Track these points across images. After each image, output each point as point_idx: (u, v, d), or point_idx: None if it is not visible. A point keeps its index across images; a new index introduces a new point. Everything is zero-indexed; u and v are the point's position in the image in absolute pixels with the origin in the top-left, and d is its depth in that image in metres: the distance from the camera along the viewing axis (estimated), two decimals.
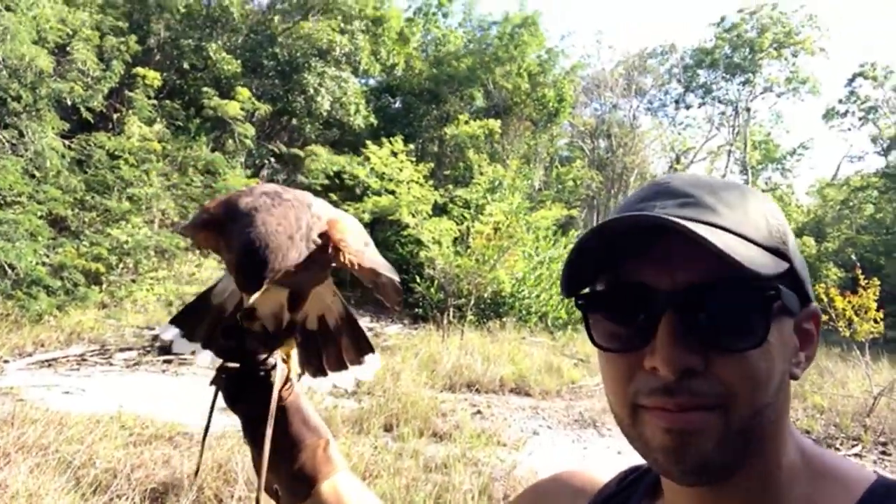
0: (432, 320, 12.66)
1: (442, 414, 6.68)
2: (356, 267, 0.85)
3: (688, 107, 32.20)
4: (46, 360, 7.87)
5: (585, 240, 0.58)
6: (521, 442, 6.09)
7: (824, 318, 9.48)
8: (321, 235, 0.84)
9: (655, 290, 0.56)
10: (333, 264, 0.89)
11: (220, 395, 0.88)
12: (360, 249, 0.87)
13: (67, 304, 9.85)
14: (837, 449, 6.51)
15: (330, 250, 0.84)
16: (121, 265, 11.58)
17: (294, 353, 0.92)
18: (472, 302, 12.84)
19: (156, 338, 9.23)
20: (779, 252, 0.57)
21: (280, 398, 0.86)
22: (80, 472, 4.24)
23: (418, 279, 13.56)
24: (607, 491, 0.75)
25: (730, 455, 0.55)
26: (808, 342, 0.60)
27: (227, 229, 0.82)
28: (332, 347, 0.99)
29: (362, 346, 1.00)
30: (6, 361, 7.62)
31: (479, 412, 7.13)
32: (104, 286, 11.08)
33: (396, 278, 0.92)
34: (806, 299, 0.60)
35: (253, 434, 0.86)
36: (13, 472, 4.06)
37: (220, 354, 0.86)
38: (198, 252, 13.18)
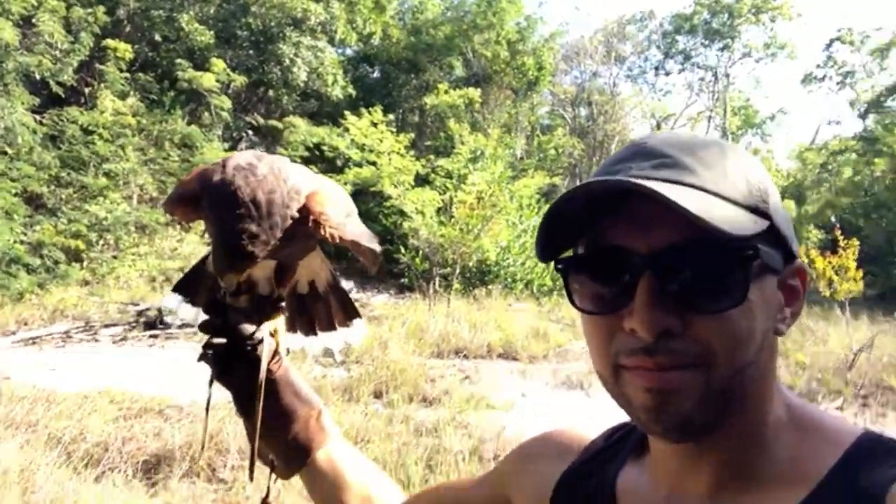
0: (418, 290, 12.68)
1: (431, 380, 6.73)
2: (337, 240, 0.85)
3: (667, 73, 32.18)
4: (31, 338, 7.78)
5: (558, 205, 0.57)
6: (509, 405, 6.16)
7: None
8: (301, 209, 0.82)
9: (632, 252, 0.56)
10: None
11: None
12: (341, 222, 0.86)
13: (49, 281, 9.72)
14: (819, 403, 6.67)
15: (310, 224, 0.82)
16: (101, 242, 11.42)
17: (281, 326, 0.91)
18: (458, 271, 12.86)
19: (141, 313, 9.15)
20: (758, 210, 0.56)
21: (269, 371, 0.86)
22: (70, 447, 4.23)
23: (403, 250, 13.53)
24: (594, 447, 0.75)
25: (710, 413, 0.55)
26: (793, 298, 0.59)
27: (203, 209, 0.81)
28: (322, 310, 1.00)
29: (350, 311, 1.02)
30: None
31: (467, 377, 7.19)
32: (85, 263, 10.93)
33: (378, 248, 0.91)
34: (790, 256, 0.59)
35: (244, 407, 0.86)
36: (3, 448, 4.04)
37: (206, 330, 0.85)
38: (179, 227, 13.03)
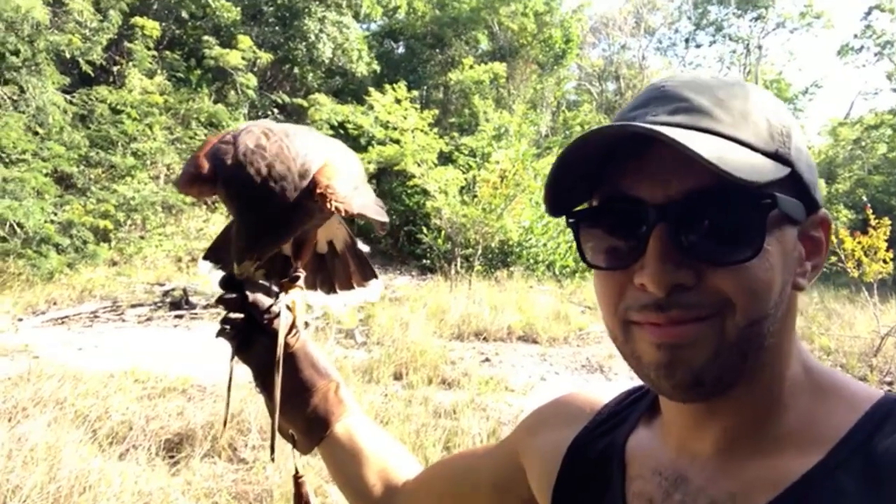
0: (440, 271, 12.70)
1: (451, 362, 6.77)
2: (343, 213, 0.86)
3: (698, 46, 31.59)
4: (60, 318, 7.99)
5: (568, 154, 0.55)
6: (528, 387, 6.18)
7: (832, 259, 9.48)
8: (311, 183, 0.83)
9: (646, 203, 0.54)
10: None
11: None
12: (348, 195, 0.86)
13: (77, 261, 9.93)
14: None
15: (316, 198, 0.83)
16: (129, 222, 11.61)
17: (298, 300, 0.92)
18: (480, 252, 12.84)
19: (167, 293, 9.33)
20: (779, 155, 0.53)
21: (287, 345, 0.87)
22: (95, 424, 4.35)
23: (425, 230, 13.54)
24: (606, 411, 0.75)
25: (724, 368, 0.53)
26: (815, 251, 0.57)
27: (219, 190, 0.82)
28: (340, 269, 1.04)
29: (367, 271, 1.06)
30: (20, 319, 7.74)
31: (487, 360, 7.21)
32: (113, 243, 11.14)
33: (385, 219, 0.93)
34: (814, 205, 0.56)
35: (264, 382, 0.88)
36: (31, 425, 4.17)
37: (224, 305, 0.86)
38: (205, 207, 13.19)
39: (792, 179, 0.54)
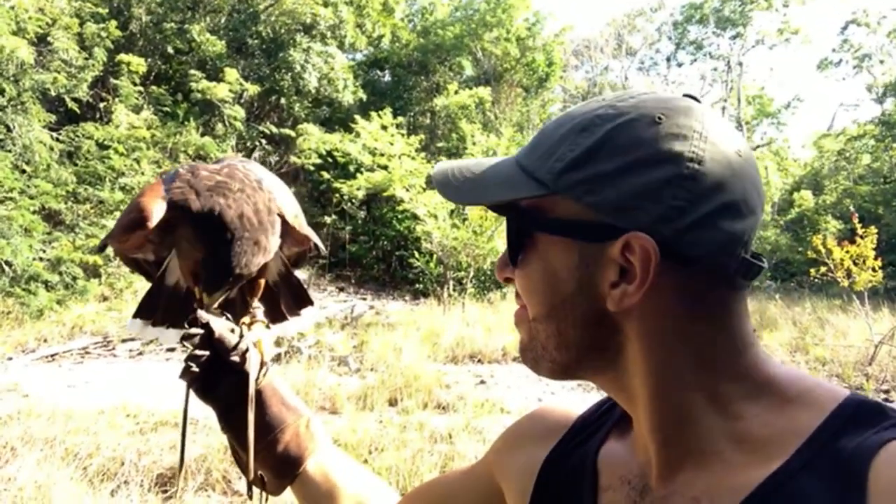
0: (433, 294, 12.68)
1: (446, 386, 6.73)
2: (299, 231, 0.88)
3: (679, 64, 31.94)
4: (50, 355, 7.90)
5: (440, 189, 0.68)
6: (525, 409, 6.13)
7: (822, 269, 9.53)
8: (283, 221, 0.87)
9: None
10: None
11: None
12: (301, 221, 0.90)
13: (67, 298, 9.85)
14: None
15: (293, 231, 0.87)
16: (118, 257, 11.54)
17: (264, 336, 0.91)
18: (472, 274, 12.84)
19: None
20: (539, 179, 0.59)
21: (255, 382, 0.85)
22: (86, 461, 4.28)
23: (416, 254, 13.54)
24: (580, 422, 0.75)
25: (540, 351, 0.63)
26: (627, 276, 0.56)
27: (180, 233, 0.83)
28: (273, 301, 1.01)
29: (300, 300, 1.04)
30: (10, 359, 7.65)
31: (482, 382, 7.17)
32: (103, 278, 11.07)
33: (319, 242, 0.96)
34: (614, 231, 0.56)
35: (229, 422, 0.85)
36: (20, 464, 4.10)
37: (188, 342, 0.84)
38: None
39: (578, 203, 0.57)
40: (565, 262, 0.59)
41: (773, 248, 19.44)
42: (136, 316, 0.97)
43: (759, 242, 19.42)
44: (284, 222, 0.86)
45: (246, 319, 0.92)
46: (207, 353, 0.83)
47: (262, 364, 0.87)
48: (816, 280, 9.48)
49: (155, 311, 0.96)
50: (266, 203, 0.82)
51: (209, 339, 0.83)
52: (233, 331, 0.86)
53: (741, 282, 0.58)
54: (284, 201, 0.87)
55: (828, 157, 24.70)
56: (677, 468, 0.58)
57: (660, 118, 0.57)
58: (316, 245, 0.94)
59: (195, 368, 0.83)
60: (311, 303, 1.04)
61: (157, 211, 0.81)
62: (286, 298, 1.02)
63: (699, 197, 0.55)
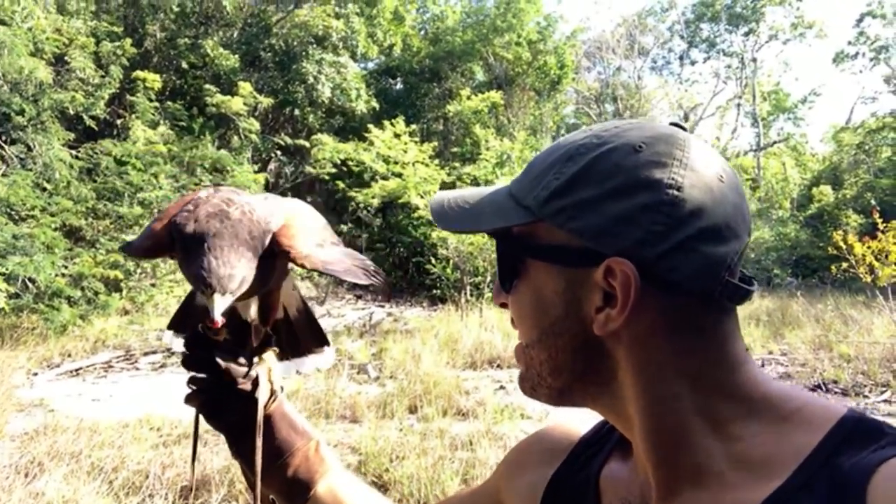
0: (450, 300, 12.68)
1: (465, 392, 6.71)
2: (308, 267, 0.87)
3: (693, 62, 31.72)
4: (74, 370, 8.00)
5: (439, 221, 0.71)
6: (545, 413, 6.11)
7: (844, 265, 9.39)
8: (272, 243, 0.85)
9: None
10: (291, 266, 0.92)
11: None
12: (311, 252, 0.88)
13: (90, 312, 9.97)
14: (867, 397, 6.46)
15: (279, 257, 0.85)
16: (139, 270, 11.69)
17: (274, 363, 0.91)
18: (489, 279, 12.82)
19: None
20: (527, 206, 0.62)
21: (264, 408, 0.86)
22: (112, 475, 4.32)
23: (433, 260, 13.55)
24: (584, 441, 0.76)
25: (535, 378, 0.65)
26: (610, 301, 0.58)
27: (180, 258, 0.83)
28: (293, 335, 1.02)
29: (320, 337, 1.05)
30: (35, 374, 7.76)
31: (502, 387, 7.15)
32: (124, 292, 11.20)
33: (363, 280, 0.92)
34: (595, 256, 0.58)
35: (238, 447, 0.86)
36: (48, 480, 4.16)
37: (190, 366, 0.84)
38: None
39: (562, 230, 0.59)
40: (553, 287, 0.61)
41: (794, 244, 19.21)
42: (169, 327, 1.00)
43: (778, 239, 19.20)
44: (286, 255, 0.86)
45: (257, 347, 0.92)
46: (205, 376, 0.83)
47: (272, 391, 0.88)
48: (838, 276, 9.35)
49: (188, 326, 0.97)
50: (261, 234, 0.83)
51: (209, 362, 0.83)
52: (238, 355, 0.86)
53: (728, 304, 0.59)
54: (297, 233, 0.87)
55: (847, 151, 24.37)
56: (676, 490, 0.59)
57: (640, 146, 0.59)
58: (350, 269, 0.91)
59: (195, 389, 0.84)
60: (328, 342, 1.05)
61: (163, 234, 0.84)
62: (305, 335, 1.03)
63: (678, 222, 0.56)
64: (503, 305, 0.68)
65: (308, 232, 0.90)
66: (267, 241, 0.84)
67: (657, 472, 0.60)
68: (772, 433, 0.56)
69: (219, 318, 0.78)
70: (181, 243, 0.81)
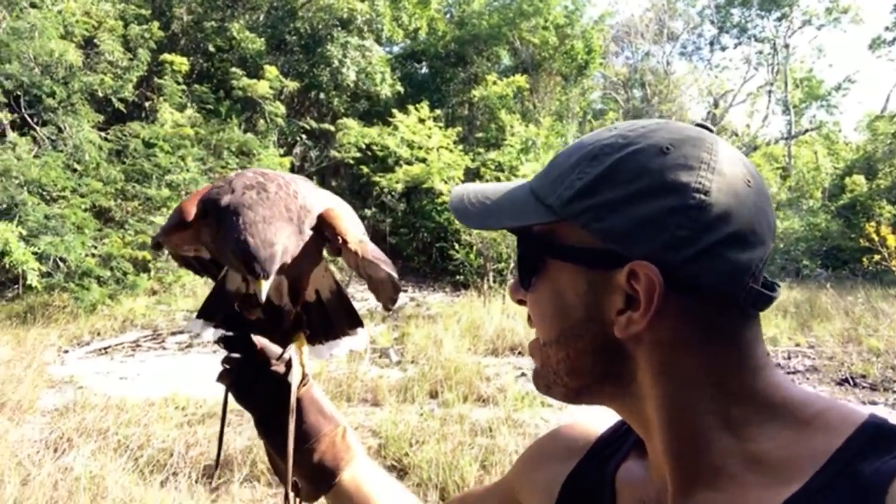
0: (473, 286, 12.67)
1: (486, 378, 6.72)
2: (360, 258, 0.85)
3: (723, 48, 31.07)
4: (103, 348, 8.16)
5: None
6: (565, 403, 6.09)
7: (876, 257, 9.19)
8: (320, 224, 0.84)
9: None
10: (330, 253, 0.91)
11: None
12: (363, 240, 0.87)
13: (119, 292, 10.16)
14: (895, 392, 6.35)
15: (336, 241, 0.85)
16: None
17: (305, 347, 0.92)
18: (512, 265, 12.78)
19: None
20: (550, 207, 0.61)
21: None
22: (137, 452, 4.42)
23: (456, 246, 13.54)
24: (601, 441, 0.76)
25: (550, 376, 0.65)
26: (631, 304, 0.58)
27: (213, 232, 0.82)
28: (326, 319, 1.01)
29: (353, 320, 1.03)
30: (66, 351, 7.94)
31: (523, 374, 7.14)
32: (152, 273, 11.38)
33: (395, 274, 0.91)
34: (618, 259, 0.57)
35: (267, 429, 0.86)
36: (76, 455, 4.26)
37: (225, 345, 0.85)
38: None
39: (585, 230, 0.59)
40: (574, 288, 0.61)
41: (824, 235, 18.83)
42: (199, 316, 0.99)
43: (808, 229, 18.83)
44: (336, 238, 0.84)
45: (289, 329, 0.93)
46: (241, 355, 0.84)
47: (304, 374, 0.88)
48: (870, 268, 9.15)
49: (216, 313, 0.97)
50: (299, 210, 0.82)
51: (245, 342, 0.83)
52: (271, 336, 0.86)
53: (751, 310, 0.59)
54: (344, 218, 0.86)
55: (882, 139, 23.74)
56: (693, 491, 0.58)
57: (668, 148, 0.58)
58: (391, 276, 0.90)
59: (230, 370, 0.84)
60: (361, 324, 1.03)
61: (193, 211, 0.83)
62: (338, 317, 1.02)
63: (704, 227, 0.56)
64: (521, 302, 0.68)
65: (355, 220, 0.89)
66: (307, 220, 0.83)
67: (674, 474, 0.60)
68: (791, 437, 0.56)
69: (263, 298, 0.77)
70: (216, 215, 0.81)
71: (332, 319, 1.01)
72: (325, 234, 0.85)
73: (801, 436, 0.55)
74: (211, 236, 0.83)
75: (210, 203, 0.82)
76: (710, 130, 0.62)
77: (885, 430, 0.53)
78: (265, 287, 0.77)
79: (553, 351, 0.63)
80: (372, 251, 0.87)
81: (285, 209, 0.81)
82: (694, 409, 0.58)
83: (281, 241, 0.78)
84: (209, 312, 0.97)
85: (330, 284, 1.02)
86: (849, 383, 6.64)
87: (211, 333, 0.95)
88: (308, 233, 0.83)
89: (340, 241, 0.84)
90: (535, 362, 0.68)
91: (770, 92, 29.90)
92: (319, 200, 0.87)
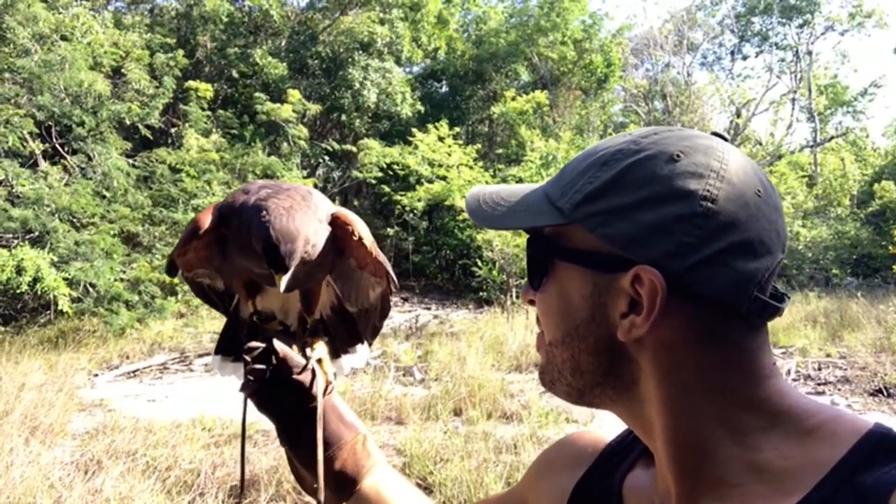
0: (496, 303, 12.64)
1: (510, 395, 6.69)
2: (372, 255, 0.88)
3: (744, 57, 30.85)
4: (132, 371, 8.29)
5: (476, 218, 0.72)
6: (590, 417, 6.04)
7: None
8: (335, 221, 0.86)
9: None
10: (344, 257, 0.92)
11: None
12: (372, 241, 0.90)
13: (147, 316, 10.32)
14: None
15: (352, 236, 0.87)
16: None
17: (325, 354, 0.92)
18: None
19: None
20: (561, 209, 0.62)
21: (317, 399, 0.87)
22: (165, 473, 4.47)
23: (479, 262, 13.56)
24: (609, 450, 0.77)
25: (555, 376, 0.66)
26: (636, 308, 0.58)
27: (234, 233, 0.84)
28: (326, 335, 1.00)
29: (352, 336, 1.02)
30: (96, 375, 8.08)
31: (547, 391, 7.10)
32: (179, 296, 11.55)
33: (394, 278, 0.94)
34: (623, 263, 0.58)
35: (289, 437, 0.87)
36: (105, 477, 4.32)
37: (249, 355, 0.86)
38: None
39: (593, 234, 0.59)
40: (580, 290, 0.62)
41: (854, 243, 18.47)
42: (216, 353, 0.99)
43: (837, 237, 18.49)
44: (351, 236, 0.86)
45: (307, 338, 0.94)
46: (266, 367, 0.85)
47: (327, 382, 0.89)
48: None
49: (233, 346, 0.96)
50: (317, 212, 0.84)
51: (270, 353, 0.85)
52: (292, 343, 0.87)
53: (756, 320, 0.58)
54: (356, 221, 0.88)
55: None
56: (696, 499, 0.59)
57: (678, 156, 0.58)
58: (389, 275, 0.92)
59: (253, 380, 0.85)
60: (361, 340, 1.03)
61: (208, 220, 0.85)
62: (339, 333, 1.01)
63: (710, 235, 0.56)
64: (531, 302, 0.68)
65: (363, 225, 0.91)
66: (324, 224, 0.84)
67: (678, 483, 0.60)
68: (795, 446, 0.55)
69: (283, 289, 0.79)
70: (237, 215, 0.82)
71: (333, 336, 1.01)
72: (336, 233, 0.86)
73: (806, 445, 0.55)
74: (232, 242, 0.83)
75: (227, 207, 0.84)
76: (726, 140, 0.62)
77: (890, 439, 0.53)
78: (285, 280, 0.78)
79: (558, 350, 0.65)
80: (380, 253, 0.89)
81: (301, 199, 0.83)
82: (696, 415, 0.58)
83: (303, 232, 0.79)
84: (227, 346, 0.98)
85: (331, 300, 1.02)
86: (882, 394, 6.48)
87: (231, 368, 0.96)
88: (326, 227, 0.84)
89: (356, 237, 0.86)
90: (540, 356, 0.69)
91: (794, 100, 29.53)
92: (331, 207, 0.89)
